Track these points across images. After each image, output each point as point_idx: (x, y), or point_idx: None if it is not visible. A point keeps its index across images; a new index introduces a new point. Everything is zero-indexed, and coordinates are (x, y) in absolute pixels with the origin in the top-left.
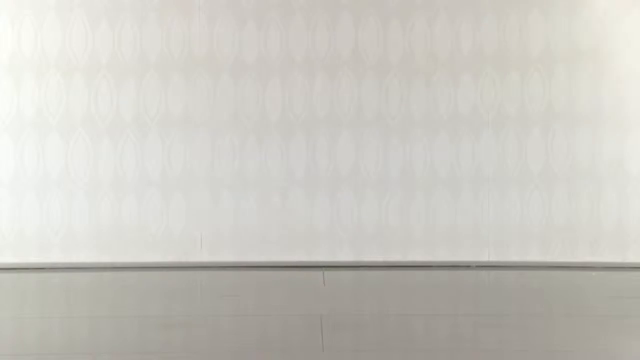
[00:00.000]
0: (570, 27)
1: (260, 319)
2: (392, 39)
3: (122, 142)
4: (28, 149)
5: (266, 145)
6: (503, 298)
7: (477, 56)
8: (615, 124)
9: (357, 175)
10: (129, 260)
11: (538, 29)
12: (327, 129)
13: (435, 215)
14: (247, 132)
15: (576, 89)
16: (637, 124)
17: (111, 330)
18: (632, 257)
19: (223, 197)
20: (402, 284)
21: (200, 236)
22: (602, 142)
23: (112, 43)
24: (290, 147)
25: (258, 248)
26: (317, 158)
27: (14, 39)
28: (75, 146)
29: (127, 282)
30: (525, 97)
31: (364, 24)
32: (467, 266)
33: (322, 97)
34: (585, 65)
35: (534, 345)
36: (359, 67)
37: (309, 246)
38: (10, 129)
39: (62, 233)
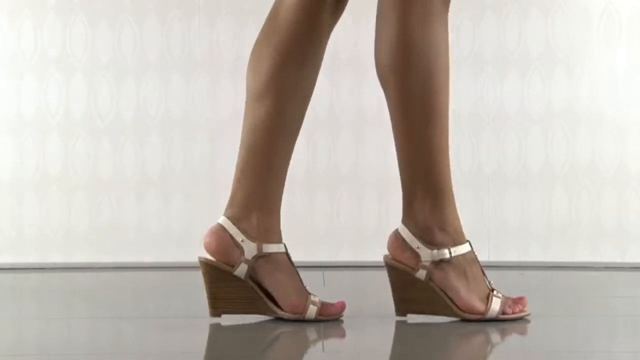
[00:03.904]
0: (570, 27)
1: (259, 320)
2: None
3: (122, 142)
4: (28, 149)
5: None
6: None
7: (477, 56)
8: (615, 124)
9: (357, 175)
10: (129, 260)
11: (538, 29)
12: (327, 129)
13: None
14: None
15: (575, 89)
16: (637, 123)
17: (111, 330)
18: (632, 257)
19: (223, 197)
20: None
21: (200, 236)
22: (602, 142)
23: (112, 43)
24: None
25: None
26: (317, 158)
27: (14, 39)
28: (75, 146)
29: (126, 282)
30: (525, 97)
31: (364, 24)
32: None
33: (322, 97)
34: (584, 65)
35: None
36: (359, 67)
37: (309, 246)
38: (10, 129)
39: (61, 233)
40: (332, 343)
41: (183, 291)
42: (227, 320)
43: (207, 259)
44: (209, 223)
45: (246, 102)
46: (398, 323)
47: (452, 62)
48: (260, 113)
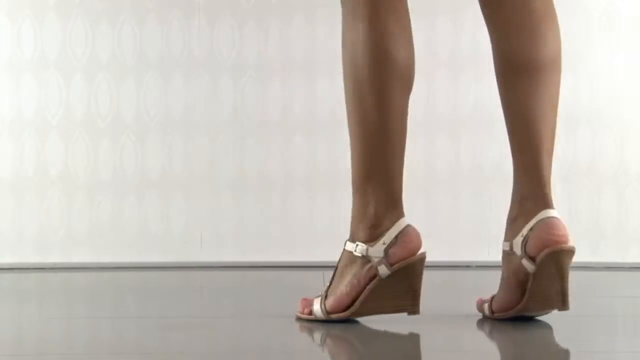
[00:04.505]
0: (570, 27)
1: (260, 320)
2: None
3: (122, 142)
4: (28, 149)
5: (267, 145)
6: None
7: (478, 56)
8: (615, 124)
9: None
10: (129, 260)
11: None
12: (327, 129)
13: (435, 214)
14: (247, 132)
15: (575, 89)
16: (637, 123)
17: (111, 330)
18: (633, 257)
19: (223, 197)
20: None
21: (200, 236)
22: (602, 142)
23: (112, 43)
24: (290, 147)
25: (259, 248)
26: (317, 158)
27: (14, 39)
28: (75, 146)
29: (126, 282)
30: None
31: None
32: (466, 266)
33: (323, 98)
34: (585, 65)
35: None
36: None
37: (309, 246)
38: (10, 129)
39: (61, 233)
40: (332, 343)
41: (183, 291)
42: (226, 319)
43: None
44: (209, 223)
45: (382, 90)
46: (398, 322)
47: None
48: (405, 102)
